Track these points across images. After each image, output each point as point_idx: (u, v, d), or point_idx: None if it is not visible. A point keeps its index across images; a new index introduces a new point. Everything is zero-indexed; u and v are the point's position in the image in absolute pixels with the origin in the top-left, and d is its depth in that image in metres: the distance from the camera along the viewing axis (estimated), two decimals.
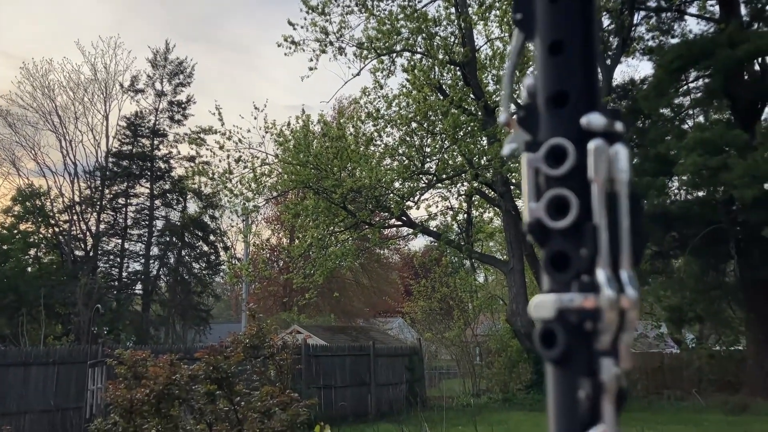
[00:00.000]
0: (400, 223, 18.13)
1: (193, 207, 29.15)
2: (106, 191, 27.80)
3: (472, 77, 16.27)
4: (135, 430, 6.13)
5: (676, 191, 16.62)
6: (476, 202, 18.75)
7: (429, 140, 17.19)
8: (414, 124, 16.89)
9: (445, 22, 16.33)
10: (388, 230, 20.30)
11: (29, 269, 25.73)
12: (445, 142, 16.94)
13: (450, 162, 17.22)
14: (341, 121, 17.53)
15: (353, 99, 17.55)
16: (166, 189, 28.75)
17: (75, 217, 27.24)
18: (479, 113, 16.42)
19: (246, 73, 53.26)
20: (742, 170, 13.73)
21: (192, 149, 27.81)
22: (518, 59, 0.73)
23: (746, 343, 16.89)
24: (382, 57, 16.55)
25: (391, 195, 17.25)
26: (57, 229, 26.86)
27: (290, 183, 17.42)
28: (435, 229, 18.10)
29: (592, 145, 0.63)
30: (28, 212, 26.19)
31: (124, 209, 28.32)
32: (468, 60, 16.06)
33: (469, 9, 16.39)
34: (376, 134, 17.10)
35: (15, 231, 25.61)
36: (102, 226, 27.71)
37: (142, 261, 28.68)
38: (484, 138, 16.58)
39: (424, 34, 16.06)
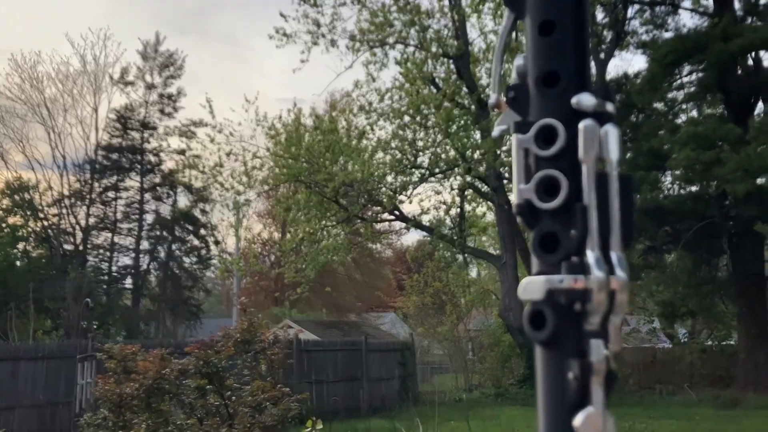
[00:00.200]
0: (392, 217, 18.05)
1: (183, 201, 28.99)
2: (96, 184, 27.57)
3: (465, 70, 16.19)
4: (125, 425, 6.05)
5: (669, 186, 16.63)
6: (469, 197, 18.68)
7: (422, 134, 17.10)
8: (407, 118, 16.80)
9: (438, 15, 16.23)
10: (381, 225, 20.24)
11: (18, 263, 25.51)
12: (438, 135, 16.85)
13: (443, 156, 17.14)
14: (333, 114, 17.41)
15: (346, 92, 17.46)
16: (156, 182, 28.55)
17: (64, 211, 27.02)
18: (472, 107, 16.34)
19: (237, 65, 53.04)
20: (734, 165, 13.73)
21: (182, 142, 27.74)
22: (508, 40, 0.73)
23: (738, 337, 16.93)
24: (375, 49, 16.45)
25: (384, 189, 17.17)
26: (46, 223, 26.64)
27: (282, 177, 17.30)
28: (428, 223, 18.03)
29: (582, 125, 0.63)
30: (16, 206, 25.96)
31: (113, 203, 28.11)
32: (461, 53, 15.97)
33: (463, 1, 16.30)
34: (368, 128, 17.01)
35: (3, 225, 25.38)
36: (91, 220, 27.50)
37: (133, 255, 28.50)
38: (477, 132, 16.51)
39: (417, 27, 15.96)
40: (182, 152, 27.50)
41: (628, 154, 16.12)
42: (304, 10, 16.51)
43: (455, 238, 18.06)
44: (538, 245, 0.64)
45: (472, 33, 17.08)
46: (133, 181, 28.52)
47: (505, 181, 16.82)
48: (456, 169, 17.07)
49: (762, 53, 15.99)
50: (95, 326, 24.60)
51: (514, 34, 0.75)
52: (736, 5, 16.16)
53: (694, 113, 16.70)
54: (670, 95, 16.50)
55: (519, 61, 0.69)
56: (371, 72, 16.70)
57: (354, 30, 16.49)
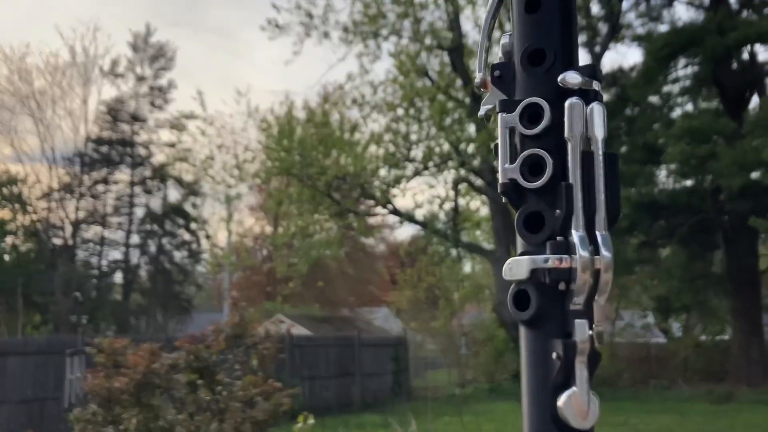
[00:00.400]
0: (386, 211, 17.95)
1: (174, 194, 28.78)
2: (85, 178, 27.33)
3: (459, 63, 16.07)
4: (114, 420, 5.94)
5: (663, 180, 16.59)
6: (463, 191, 18.58)
7: (415, 127, 16.98)
8: (400, 111, 16.68)
9: (432, 6, 16.10)
10: (374, 219, 20.13)
11: (6, 258, 25.27)
12: (432, 129, 16.74)
13: (436, 149, 17.04)
14: (326, 107, 17.27)
15: (339, 85, 17.30)
16: (146, 176, 28.33)
17: (53, 205, 26.77)
18: (466, 100, 16.23)
19: (229, 57, 52.71)
20: (729, 159, 13.70)
21: (173, 134, 27.53)
22: (494, 18, 0.72)
23: (732, 332, 16.94)
24: (368, 41, 16.31)
25: (377, 183, 17.05)
26: (35, 217, 26.39)
27: (274, 170, 17.16)
28: (421, 218, 17.94)
29: (567, 103, 0.62)
30: (4, 199, 25.69)
31: (103, 196, 27.88)
32: (456, 45, 15.85)
33: None
34: (361, 120, 16.89)
35: None
36: (81, 214, 27.25)
37: (123, 249, 28.29)
38: (471, 125, 16.41)
39: (410, 18, 15.82)
40: (173, 145, 27.32)
41: (623, 148, 16.08)
42: (296, 2, 16.38)
43: (449, 232, 17.97)
44: (523, 225, 0.64)
45: (467, 25, 17.00)
46: (123, 175, 28.31)
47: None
48: (450, 162, 16.96)
49: (757, 47, 15.97)
50: (85, 321, 24.41)
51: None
52: None
53: (689, 107, 16.68)
54: (665, 89, 16.47)
55: (505, 39, 0.68)
56: (364, 64, 16.57)
57: (347, 22, 16.36)
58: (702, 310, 17.21)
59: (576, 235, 0.61)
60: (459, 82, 16.25)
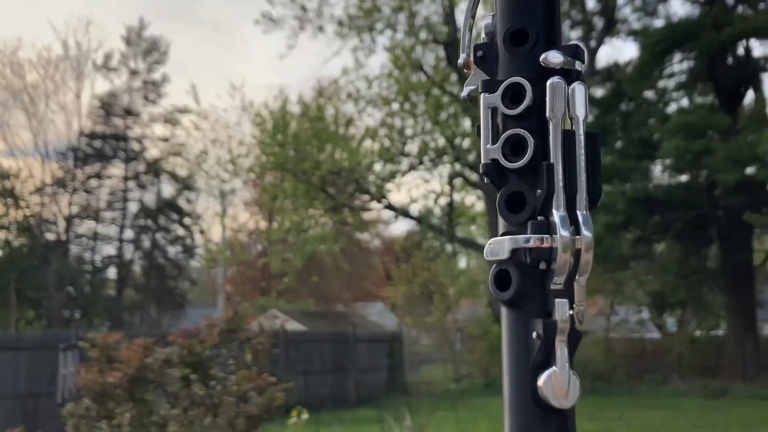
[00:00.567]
0: (381, 206, 17.91)
1: (168, 189, 28.66)
2: (79, 172, 27.18)
3: (454, 58, 16.01)
4: (108, 415, 5.89)
5: (659, 175, 16.61)
6: (458, 186, 18.54)
7: (410, 122, 16.93)
8: (395, 105, 16.63)
9: (427, 0, 16.05)
10: (369, 214, 20.08)
11: None
12: (427, 123, 16.70)
13: (432, 144, 17.00)
14: (320, 101, 17.20)
15: (333, 79, 17.24)
16: (140, 171, 28.21)
17: (46, 200, 26.63)
18: (461, 94, 16.19)
19: (223, 51, 52.47)
20: (724, 154, 13.71)
21: (167, 129, 27.42)
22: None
23: (726, 328, 16.97)
24: (363, 35, 16.24)
25: (372, 177, 17.01)
26: (27, 212, 26.24)
27: (268, 165, 17.10)
28: (417, 213, 17.92)
29: (549, 82, 0.62)
30: None
31: (96, 191, 27.74)
32: (451, 40, 15.80)
33: None
34: (356, 114, 16.84)
35: None
36: (74, 209, 27.11)
37: (116, 244, 28.18)
38: (466, 120, 16.37)
39: (406, 12, 15.76)
40: (166, 140, 27.20)
41: (619, 143, 16.08)
42: None
43: (444, 227, 17.94)
44: (504, 205, 0.64)
45: (462, 19, 16.91)
46: (116, 169, 28.16)
47: None
48: (445, 157, 16.93)
49: (753, 42, 15.97)
50: (78, 316, 24.32)
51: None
52: None
53: (685, 102, 16.68)
54: (660, 84, 16.46)
55: (488, 20, 0.68)
56: (359, 58, 16.51)
57: (342, 15, 16.30)
58: (697, 306, 17.25)
59: (557, 215, 0.61)
60: (454, 77, 16.20)
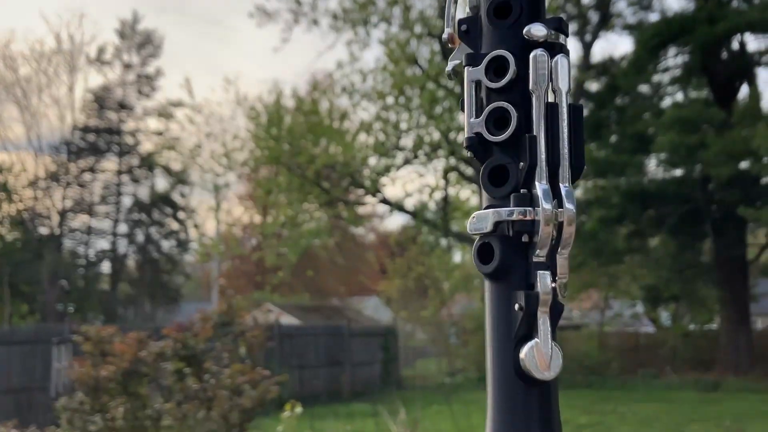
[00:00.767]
0: (375, 200, 17.89)
1: (162, 183, 28.58)
2: (72, 166, 27.06)
3: (449, 51, 15.98)
4: (101, 408, 5.87)
5: (653, 169, 16.62)
6: (453, 180, 18.52)
7: (405, 116, 16.90)
8: (390, 99, 16.60)
9: None
10: (364, 208, 20.07)
11: None
12: (422, 117, 16.67)
13: (426, 138, 16.97)
14: (315, 95, 17.15)
15: (328, 73, 17.19)
16: (134, 164, 28.11)
17: (39, 194, 26.51)
18: (456, 89, 16.16)
19: (217, 45, 52.28)
20: (718, 148, 13.74)
21: (161, 123, 27.33)
22: None
23: (720, 321, 17.02)
24: (358, 28, 16.18)
25: (367, 172, 16.98)
26: (21, 206, 26.13)
27: (262, 159, 17.05)
28: (412, 207, 17.90)
29: (532, 54, 0.62)
30: None
31: (90, 185, 27.63)
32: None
33: None
34: (351, 108, 16.80)
35: None
36: (68, 203, 27.01)
37: (110, 239, 28.09)
38: (461, 114, 16.35)
39: (400, 6, 15.71)
40: (160, 133, 27.11)
41: (613, 138, 16.08)
42: None
43: (439, 221, 17.93)
44: (487, 178, 0.64)
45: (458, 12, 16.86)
46: (110, 163, 28.06)
47: None
48: (440, 151, 16.90)
49: (747, 36, 15.96)
50: (72, 310, 24.26)
51: None
52: None
53: (679, 97, 16.68)
54: (655, 78, 16.46)
55: None
56: (354, 52, 16.46)
57: (336, 8, 16.24)
58: (691, 300, 17.29)
59: (540, 188, 0.61)
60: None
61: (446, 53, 16.08)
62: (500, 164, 0.63)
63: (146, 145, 28.17)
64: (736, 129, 13.99)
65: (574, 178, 0.63)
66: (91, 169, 27.54)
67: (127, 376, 5.90)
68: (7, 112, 26.82)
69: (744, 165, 14.52)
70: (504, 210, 0.62)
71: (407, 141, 17.08)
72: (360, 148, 16.62)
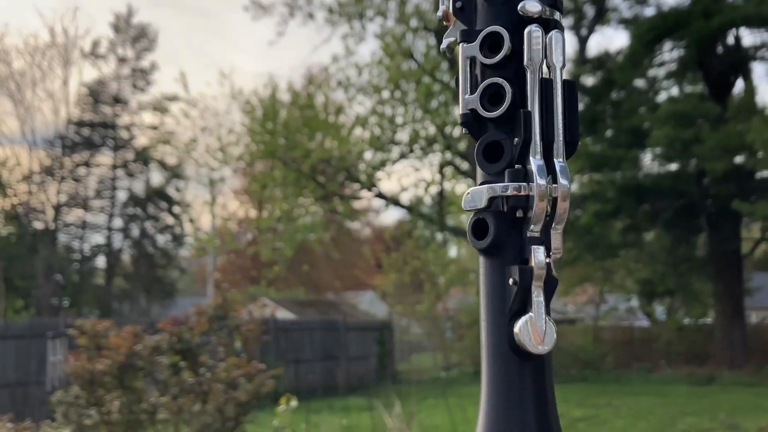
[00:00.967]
0: (371, 194, 17.88)
1: (157, 178, 28.51)
2: (67, 161, 26.97)
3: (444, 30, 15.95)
4: (97, 402, 5.87)
5: (648, 164, 16.64)
6: (450, 174, 18.52)
7: (401, 110, 16.88)
8: (386, 93, 16.57)
9: None
10: (359, 202, 20.04)
11: None
12: (417, 111, 16.65)
13: (422, 133, 16.95)
14: (310, 89, 17.10)
15: (323, 67, 17.14)
16: (128, 159, 28.03)
17: (34, 188, 26.42)
18: (452, 83, 16.15)
19: (212, 39, 52.13)
20: (714, 143, 13.76)
21: (156, 117, 27.24)
22: None
23: (714, 315, 17.08)
24: (353, 22, 16.14)
25: (362, 166, 16.96)
26: (15, 200, 26.04)
27: (258, 153, 17.02)
28: (407, 202, 17.89)
29: (526, 30, 0.62)
30: None
31: (85, 180, 27.55)
32: (441, 27, 15.73)
33: None
34: (346, 102, 16.76)
35: None
36: (62, 197, 26.93)
37: (105, 233, 28.02)
38: (457, 108, 16.34)
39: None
40: (155, 128, 27.03)
41: (609, 132, 16.09)
42: None
43: (434, 216, 17.93)
44: (482, 154, 0.64)
45: None
46: (105, 158, 27.97)
47: None
48: (435, 146, 16.89)
49: (742, 31, 15.97)
50: (67, 304, 24.22)
51: None
52: None
53: (675, 91, 16.70)
54: (650, 73, 16.46)
55: None
56: (349, 46, 16.42)
57: (332, 2, 16.18)
58: (685, 294, 17.33)
59: (534, 163, 0.61)
60: (445, 65, 16.14)
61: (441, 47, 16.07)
62: (495, 140, 0.63)
63: (141, 140, 28.11)
64: (731, 123, 14.02)
65: (569, 154, 0.63)
66: (86, 164, 27.44)
67: (123, 370, 5.89)
68: (1, 106, 26.76)
69: (739, 159, 14.55)
70: (498, 185, 0.62)
71: (403, 135, 17.08)
72: (355, 143, 16.60)
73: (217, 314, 6.80)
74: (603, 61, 16.80)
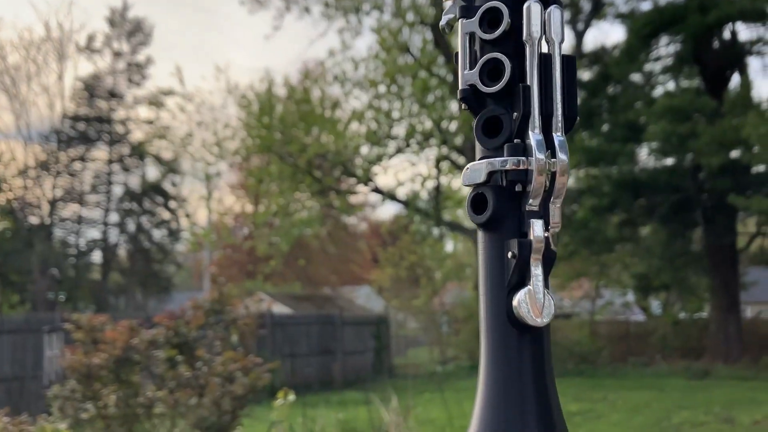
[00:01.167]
0: (367, 189, 17.86)
1: (153, 172, 28.44)
2: (62, 155, 26.89)
3: (442, 40, 15.94)
4: (94, 396, 5.86)
5: (644, 158, 16.65)
6: (446, 169, 18.51)
7: (397, 104, 16.86)
8: (382, 88, 16.54)
9: None
10: (356, 197, 20.05)
11: None
12: (414, 106, 16.63)
13: (419, 127, 16.94)
14: (307, 83, 17.07)
15: (320, 61, 17.10)
16: (124, 153, 27.96)
17: (29, 183, 26.34)
18: (449, 77, 16.12)
19: (208, 33, 51.98)
20: (709, 138, 13.77)
21: (152, 111, 27.17)
22: None
23: (710, 310, 17.13)
24: (349, 16, 16.10)
25: (359, 160, 16.95)
26: (10, 195, 25.97)
27: (254, 148, 16.99)
28: (404, 196, 17.89)
29: (525, 5, 0.63)
30: None
31: (80, 174, 27.47)
32: (438, 21, 15.72)
33: None
34: (343, 97, 16.73)
35: None
36: (58, 192, 26.85)
37: (101, 228, 27.96)
38: (453, 103, 16.32)
39: None
40: (151, 122, 26.95)
41: (605, 126, 16.09)
42: None
43: (431, 210, 17.93)
44: (481, 129, 0.64)
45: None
46: (100, 152, 27.89)
47: None
48: (432, 140, 16.88)
49: (739, 25, 15.98)
50: (63, 299, 24.18)
51: None
52: None
53: (671, 86, 16.70)
54: (647, 67, 16.46)
55: None
56: (346, 40, 16.38)
57: None
58: (681, 288, 17.38)
59: (533, 138, 0.61)
60: (441, 59, 16.12)
61: (438, 41, 16.05)
62: (494, 115, 0.64)
63: (137, 134, 28.02)
64: (727, 118, 14.03)
65: (567, 129, 0.64)
66: (82, 158, 27.37)
67: (119, 364, 5.89)
68: None
69: (735, 154, 14.57)
70: (498, 160, 0.62)
71: (399, 130, 17.06)
72: (352, 137, 16.58)
73: (213, 308, 6.80)
74: (599, 56, 16.79)
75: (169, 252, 29.20)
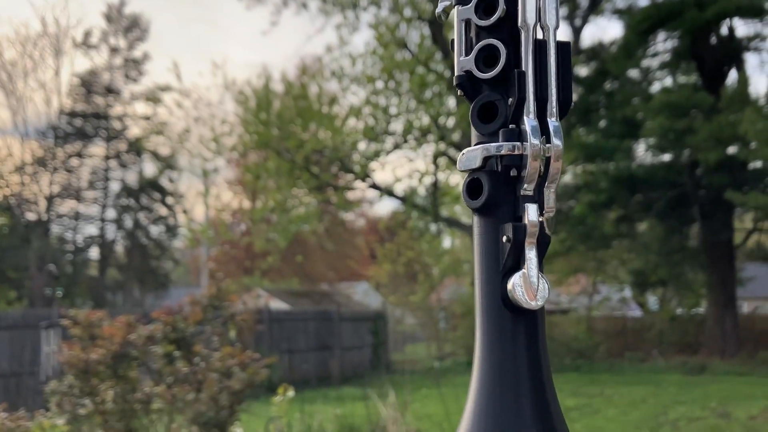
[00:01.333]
0: (365, 185, 17.86)
1: (150, 168, 28.42)
2: (59, 151, 26.84)
3: (439, 35, 15.93)
4: (91, 392, 5.86)
5: (642, 154, 16.66)
6: (442, 165, 18.52)
7: (395, 100, 16.85)
8: (379, 84, 16.54)
9: None
10: (353, 193, 20.04)
11: None
12: (411, 101, 16.63)
13: (416, 123, 16.94)
14: (304, 79, 17.05)
15: (317, 57, 17.10)
16: (121, 149, 27.92)
17: (26, 179, 26.30)
18: (446, 73, 16.12)
19: (205, 28, 51.87)
20: (706, 133, 13.78)
21: (149, 107, 27.12)
22: None
23: (707, 305, 17.16)
24: (347, 12, 16.09)
25: (356, 156, 16.94)
26: (7, 191, 25.93)
27: (251, 143, 16.98)
28: (401, 192, 17.89)
29: None
30: None
31: (78, 170, 27.43)
32: (435, 17, 15.70)
33: None
34: (340, 93, 16.73)
35: None
36: (55, 188, 26.81)
37: (98, 224, 27.94)
38: (451, 98, 16.32)
39: None
40: (148, 118, 26.92)
41: (602, 122, 16.10)
42: None
43: (428, 206, 17.94)
44: (477, 115, 0.65)
45: None
46: (97, 148, 27.84)
47: None
48: (429, 136, 16.88)
49: (736, 21, 15.98)
50: (60, 295, 24.16)
51: None
52: None
53: (668, 81, 16.70)
54: (644, 63, 16.46)
55: None
56: (343, 35, 16.38)
57: None
58: (678, 284, 17.41)
59: (528, 123, 0.62)
60: (439, 55, 16.11)
61: (436, 37, 16.04)
62: (489, 101, 0.64)
63: (134, 130, 27.99)
64: (724, 114, 14.04)
65: (562, 114, 0.64)
66: (79, 154, 27.33)
67: (117, 360, 5.89)
68: None
69: (732, 150, 14.58)
70: (493, 145, 0.63)
71: (397, 126, 17.06)
72: (349, 133, 16.58)
73: (211, 304, 6.80)
74: (597, 52, 16.79)
75: (167, 248, 29.19)
